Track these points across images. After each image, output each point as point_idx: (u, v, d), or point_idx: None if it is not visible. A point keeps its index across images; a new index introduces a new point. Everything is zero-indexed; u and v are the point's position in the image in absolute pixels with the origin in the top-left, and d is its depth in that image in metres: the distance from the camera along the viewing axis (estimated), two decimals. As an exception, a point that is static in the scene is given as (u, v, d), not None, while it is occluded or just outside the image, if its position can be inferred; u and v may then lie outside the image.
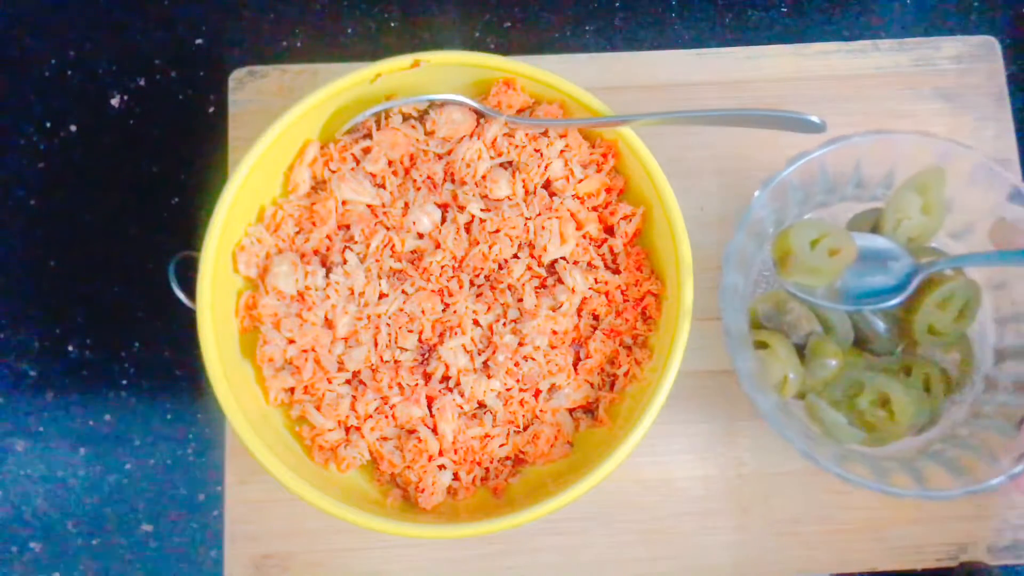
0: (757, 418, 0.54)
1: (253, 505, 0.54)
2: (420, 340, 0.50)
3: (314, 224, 0.51)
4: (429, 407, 0.50)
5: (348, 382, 0.50)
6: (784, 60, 0.60)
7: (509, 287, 0.51)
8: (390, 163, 0.52)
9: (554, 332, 0.50)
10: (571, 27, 0.64)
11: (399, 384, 0.49)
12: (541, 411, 0.50)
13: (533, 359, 0.50)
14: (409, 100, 0.52)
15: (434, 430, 0.49)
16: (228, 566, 0.53)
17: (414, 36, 0.64)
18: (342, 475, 0.50)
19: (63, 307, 0.60)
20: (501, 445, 0.50)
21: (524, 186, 0.51)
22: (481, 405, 0.50)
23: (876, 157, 0.50)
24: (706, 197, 0.58)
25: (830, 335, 0.51)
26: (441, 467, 0.50)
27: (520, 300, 0.50)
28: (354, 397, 0.50)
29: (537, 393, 0.50)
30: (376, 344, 0.50)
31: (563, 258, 0.51)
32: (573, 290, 0.50)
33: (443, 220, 0.51)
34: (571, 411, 0.52)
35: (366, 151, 0.52)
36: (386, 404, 0.50)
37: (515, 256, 0.51)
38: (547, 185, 0.52)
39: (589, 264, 0.51)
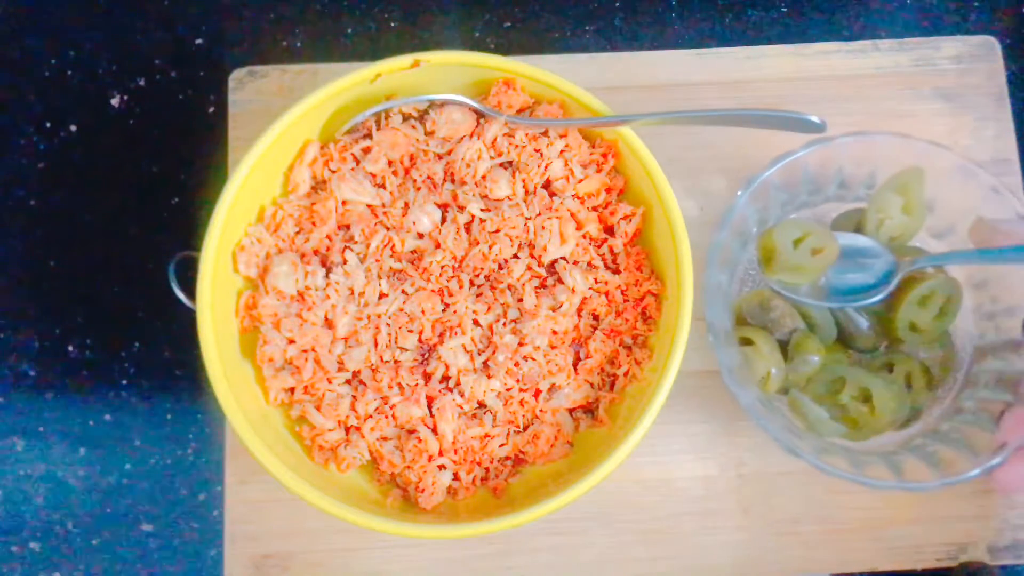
0: (757, 418, 0.55)
1: (253, 505, 0.54)
2: (420, 340, 0.50)
3: (314, 224, 0.51)
4: (429, 407, 0.50)
5: (348, 382, 0.50)
6: (784, 60, 0.60)
7: (509, 287, 0.51)
8: (390, 163, 0.52)
9: (554, 332, 0.50)
10: (571, 27, 0.64)
11: (399, 384, 0.49)
12: (541, 411, 0.50)
13: (533, 359, 0.50)
14: (409, 100, 0.52)
15: (434, 430, 0.49)
16: (228, 566, 0.53)
17: (414, 36, 0.64)
18: (342, 475, 0.50)
19: (63, 307, 0.60)
20: (501, 445, 0.50)
21: (524, 186, 0.51)
22: (481, 405, 0.50)
23: (857, 158, 0.51)
24: (706, 197, 0.58)
25: (813, 332, 0.52)
26: (441, 467, 0.50)
27: (520, 300, 0.50)
28: (354, 397, 0.50)
29: (537, 393, 0.50)
30: (376, 344, 0.50)
31: (563, 258, 0.51)
32: (573, 290, 0.50)
33: (443, 220, 0.51)
34: (571, 411, 0.52)
35: (366, 151, 0.52)
36: (386, 404, 0.50)
37: (515, 256, 0.51)
38: (547, 185, 0.52)
39: (589, 264, 0.51)
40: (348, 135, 0.52)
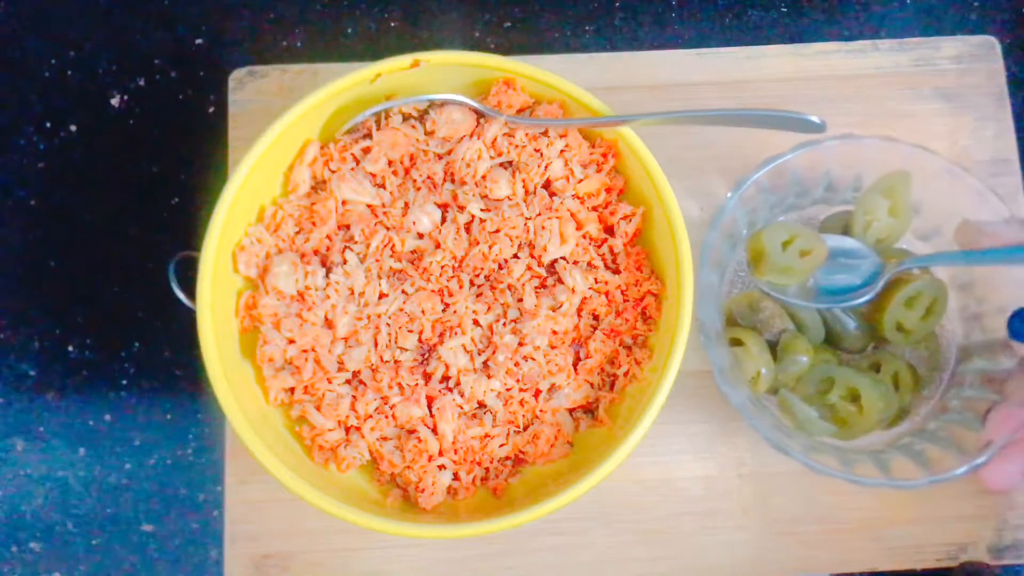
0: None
1: (253, 505, 0.54)
2: (420, 340, 0.50)
3: (314, 224, 0.51)
4: (429, 407, 0.50)
5: (348, 382, 0.50)
6: (784, 60, 0.60)
7: (509, 287, 0.51)
8: (390, 163, 0.52)
9: (554, 332, 0.50)
10: (571, 27, 0.64)
11: (399, 384, 0.49)
12: (541, 411, 0.50)
13: (533, 359, 0.50)
14: (409, 100, 0.52)
15: (434, 430, 0.49)
16: (228, 566, 0.53)
17: (414, 36, 0.64)
18: (342, 475, 0.50)
19: (63, 307, 0.60)
20: (501, 445, 0.50)
21: (524, 186, 0.51)
22: (481, 405, 0.50)
23: (845, 161, 0.52)
24: (706, 197, 0.58)
25: (802, 332, 0.52)
26: (441, 467, 0.50)
27: (520, 300, 0.50)
28: (354, 397, 0.50)
29: (537, 393, 0.50)
30: (376, 344, 0.50)
31: (563, 258, 0.51)
32: (573, 290, 0.50)
33: (443, 220, 0.51)
34: (571, 411, 0.52)
35: (366, 151, 0.52)
36: (386, 404, 0.50)
37: (515, 256, 0.51)
38: (547, 185, 0.52)
39: (589, 264, 0.51)
40: (348, 135, 0.52)
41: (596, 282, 0.51)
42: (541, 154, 0.51)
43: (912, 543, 0.54)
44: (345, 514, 0.45)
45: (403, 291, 0.50)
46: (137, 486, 0.57)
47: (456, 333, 0.50)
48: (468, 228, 0.51)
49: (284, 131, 0.49)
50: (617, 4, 0.64)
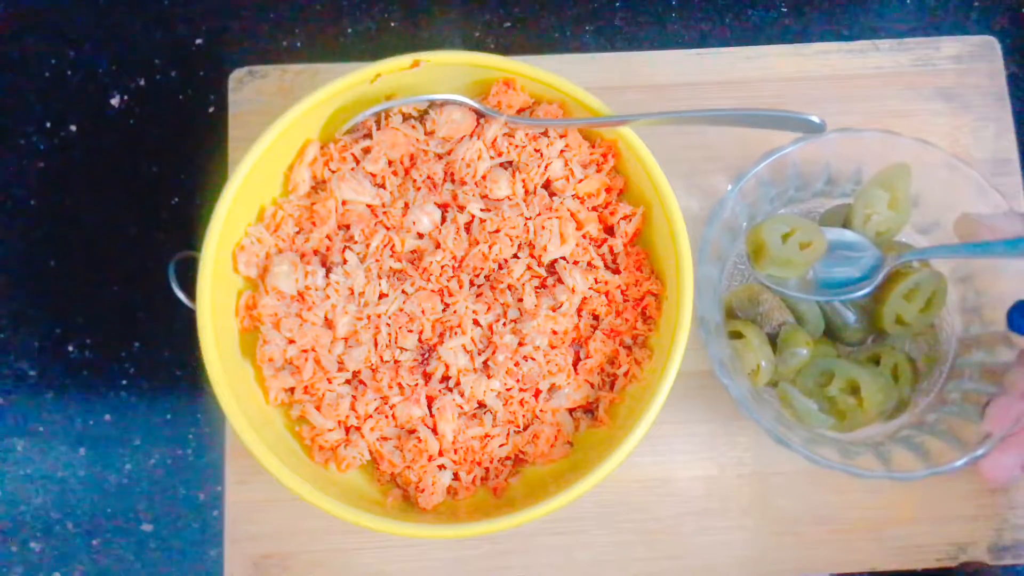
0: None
1: (253, 505, 0.54)
2: (420, 340, 0.50)
3: (314, 224, 0.51)
4: (429, 407, 0.50)
5: (348, 382, 0.50)
6: (784, 60, 0.60)
7: (509, 287, 0.51)
8: (390, 163, 0.52)
9: (554, 332, 0.50)
10: (571, 27, 0.64)
11: (399, 384, 0.49)
12: (541, 411, 0.50)
13: (533, 359, 0.50)
14: (409, 100, 0.52)
15: (434, 430, 0.49)
16: (228, 566, 0.53)
17: (414, 36, 0.64)
18: (342, 475, 0.50)
19: (63, 307, 0.60)
20: (501, 445, 0.50)
21: (524, 186, 0.51)
22: (481, 405, 0.50)
23: (844, 154, 0.52)
24: (706, 196, 0.58)
25: (801, 325, 0.52)
26: (441, 467, 0.50)
27: (520, 300, 0.50)
28: (354, 397, 0.50)
29: (537, 393, 0.50)
30: (376, 344, 0.50)
31: (563, 258, 0.51)
32: (573, 290, 0.50)
33: (443, 220, 0.51)
34: (571, 411, 0.52)
35: (366, 151, 0.52)
36: (386, 404, 0.50)
37: (515, 256, 0.51)
38: (547, 185, 0.52)
39: (589, 264, 0.51)
40: (348, 135, 0.52)
41: (596, 282, 0.51)
42: (541, 154, 0.51)
43: (912, 543, 0.54)
44: (345, 514, 0.45)
45: (403, 291, 0.50)
46: (137, 486, 0.57)
47: (456, 333, 0.50)
48: (468, 228, 0.51)
49: (284, 131, 0.49)
50: (617, 4, 0.64)
